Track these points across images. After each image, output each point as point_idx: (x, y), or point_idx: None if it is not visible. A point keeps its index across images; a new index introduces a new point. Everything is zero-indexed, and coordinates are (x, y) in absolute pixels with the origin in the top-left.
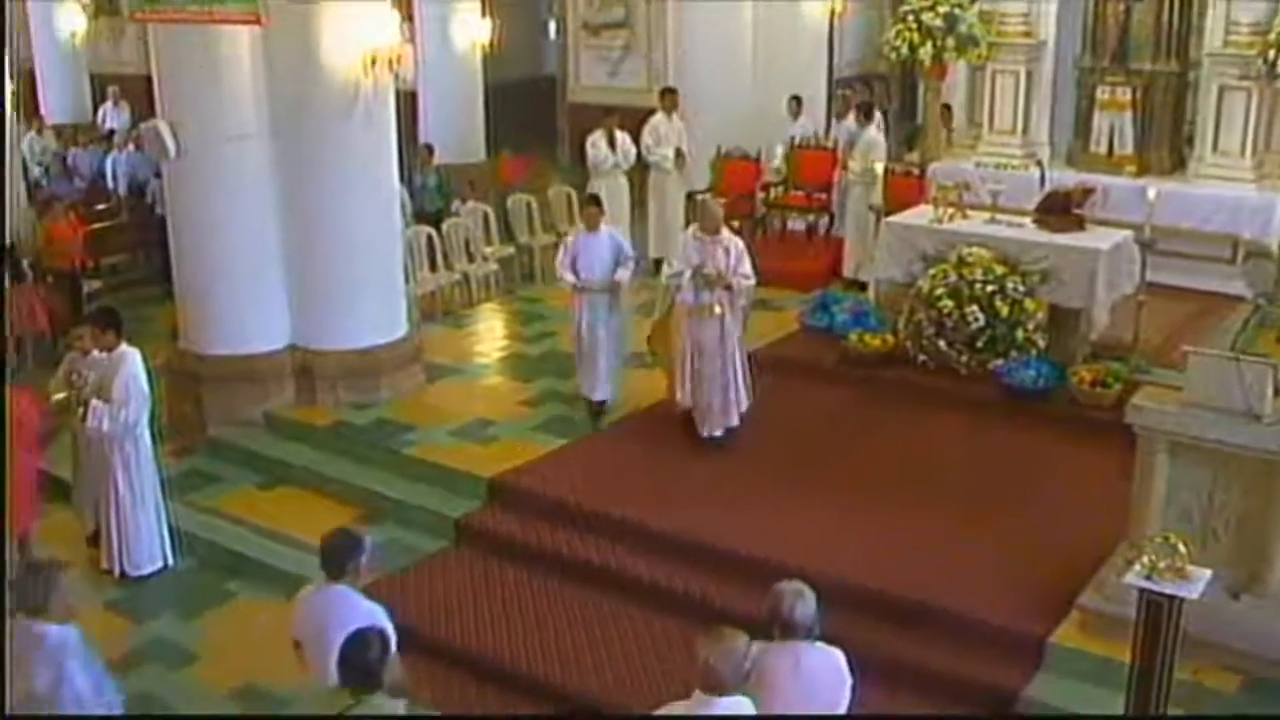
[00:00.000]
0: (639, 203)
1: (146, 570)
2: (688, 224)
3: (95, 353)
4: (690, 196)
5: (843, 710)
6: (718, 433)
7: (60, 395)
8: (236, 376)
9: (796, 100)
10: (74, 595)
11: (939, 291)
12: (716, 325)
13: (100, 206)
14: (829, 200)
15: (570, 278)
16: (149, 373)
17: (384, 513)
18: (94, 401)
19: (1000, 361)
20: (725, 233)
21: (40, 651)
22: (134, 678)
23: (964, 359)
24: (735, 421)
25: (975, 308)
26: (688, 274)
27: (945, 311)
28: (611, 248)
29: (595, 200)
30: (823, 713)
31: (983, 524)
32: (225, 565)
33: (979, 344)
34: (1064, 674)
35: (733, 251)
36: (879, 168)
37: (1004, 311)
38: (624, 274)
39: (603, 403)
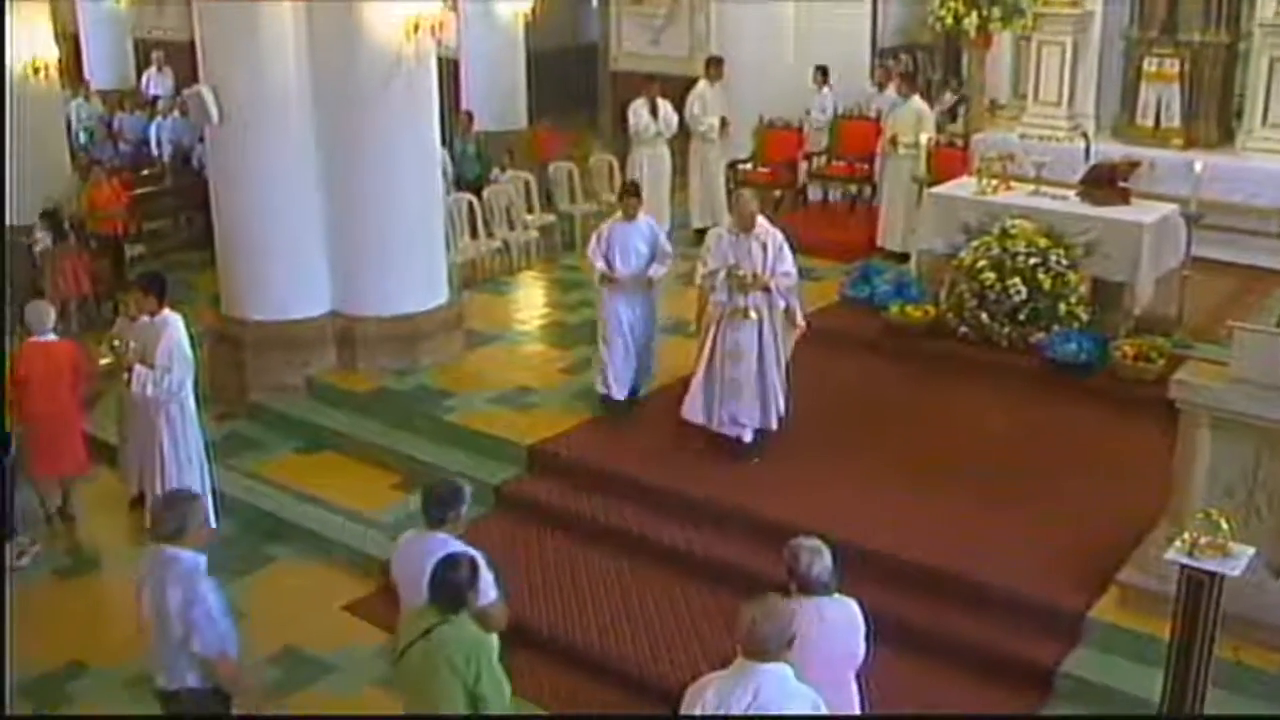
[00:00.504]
0: (680, 171)
1: None
2: (729, 194)
3: (144, 318)
4: (732, 166)
5: (861, 656)
6: (747, 438)
7: (106, 360)
8: (278, 342)
9: (822, 71)
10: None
11: (981, 264)
12: (753, 330)
13: (143, 172)
14: (871, 171)
15: (601, 265)
16: (192, 338)
17: (423, 478)
18: (138, 366)
19: (1042, 335)
20: (763, 226)
21: (174, 573)
22: None
23: (1005, 331)
24: (773, 426)
25: (1018, 280)
26: (721, 274)
27: (987, 284)
28: (649, 239)
29: (635, 190)
30: (843, 660)
31: (1022, 497)
32: (266, 529)
33: (1021, 316)
34: (1102, 649)
35: (770, 247)
36: (924, 139)
37: (1046, 284)
38: (659, 269)
39: (632, 397)
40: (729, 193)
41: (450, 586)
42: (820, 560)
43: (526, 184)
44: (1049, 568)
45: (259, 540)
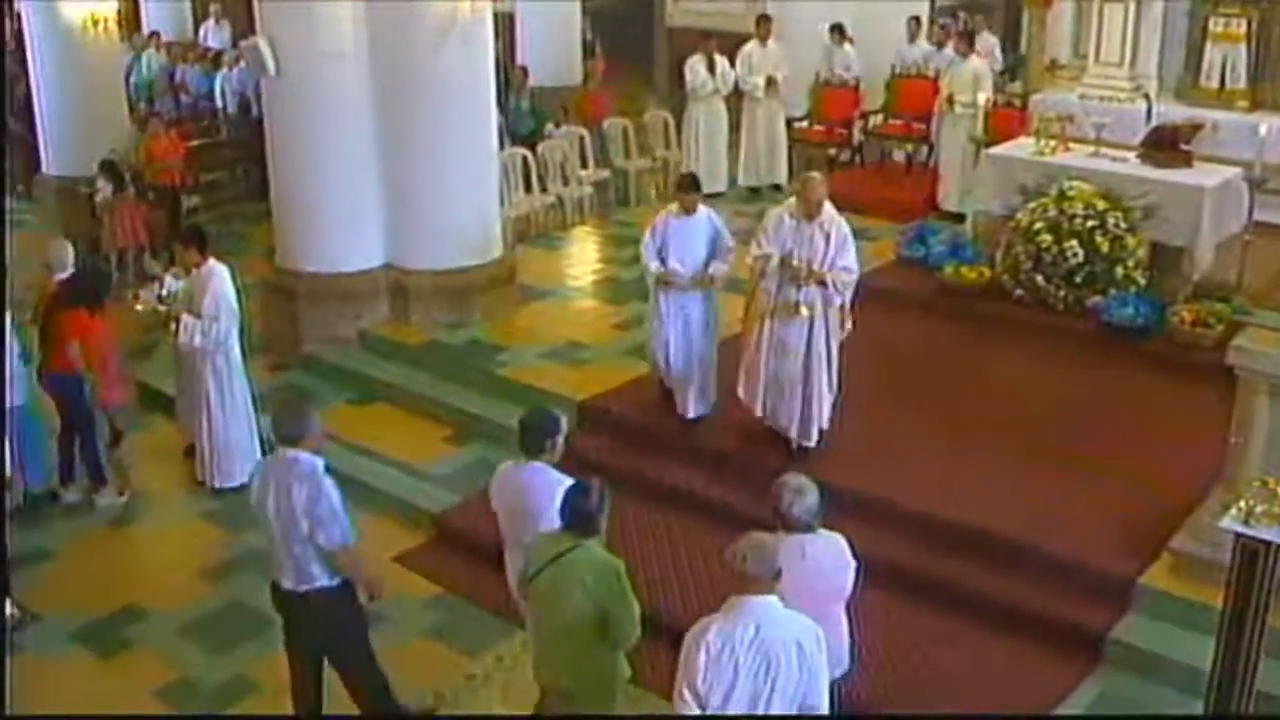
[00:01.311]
0: (735, 128)
1: (238, 482)
2: (790, 150)
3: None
4: (790, 124)
5: (848, 591)
6: (792, 433)
7: (141, 306)
8: (332, 294)
9: (838, 29)
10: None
11: (1038, 225)
12: (803, 327)
13: (202, 124)
14: (928, 130)
15: (656, 265)
16: (237, 288)
17: (474, 432)
18: (185, 316)
19: (1098, 298)
20: (828, 212)
21: (296, 473)
22: (227, 586)
23: (1061, 294)
24: (811, 441)
25: (1074, 243)
26: (775, 259)
27: (1044, 246)
28: (708, 235)
29: (693, 182)
30: (827, 595)
31: (1074, 461)
32: None
33: (1077, 280)
34: (1153, 616)
35: (833, 238)
36: (982, 98)
37: (1104, 248)
38: (720, 267)
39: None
40: (791, 150)
41: (582, 512)
42: (800, 500)
43: (581, 139)
44: (1100, 533)
45: None
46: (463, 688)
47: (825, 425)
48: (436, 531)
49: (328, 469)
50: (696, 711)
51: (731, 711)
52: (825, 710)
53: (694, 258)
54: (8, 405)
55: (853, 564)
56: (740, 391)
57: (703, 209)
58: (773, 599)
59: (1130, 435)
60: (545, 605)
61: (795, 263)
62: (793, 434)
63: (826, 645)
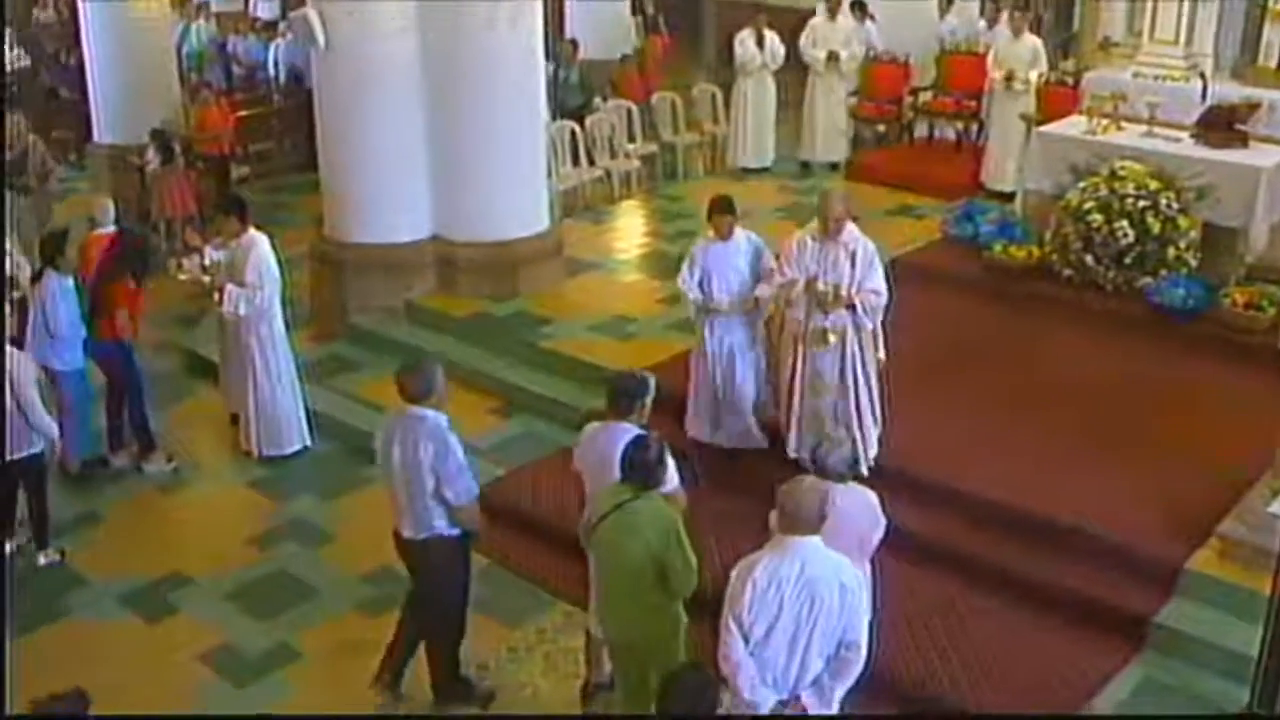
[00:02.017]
0: (789, 104)
1: (285, 451)
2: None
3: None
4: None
5: (873, 544)
6: None
7: (184, 275)
8: (379, 265)
9: (859, 4)
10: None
11: (1088, 205)
12: (834, 356)
13: (251, 94)
14: (979, 107)
15: (696, 295)
16: (278, 257)
17: (520, 404)
18: (229, 286)
19: (1149, 279)
20: (850, 231)
21: (423, 430)
22: (272, 554)
23: (1111, 275)
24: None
25: (1125, 223)
26: (800, 284)
27: (1094, 226)
28: (749, 258)
29: (728, 205)
30: (849, 546)
31: (1122, 444)
32: (363, 450)
33: (1127, 260)
34: (1199, 601)
35: (860, 257)
36: (1034, 76)
37: (1155, 228)
38: (765, 290)
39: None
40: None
41: (641, 465)
42: (838, 451)
43: (629, 112)
44: (1147, 516)
45: (356, 461)
46: (505, 659)
47: (871, 463)
48: (481, 504)
49: (449, 425)
50: (740, 644)
51: (773, 644)
52: (864, 646)
53: (738, 281)
54: (65, 369)
55: (882, 521)
56: (785, 438)
57: (740, 231)
58: (818, 540)
59: (1179, 419)
60: (606, 555)
61: (822, 286)
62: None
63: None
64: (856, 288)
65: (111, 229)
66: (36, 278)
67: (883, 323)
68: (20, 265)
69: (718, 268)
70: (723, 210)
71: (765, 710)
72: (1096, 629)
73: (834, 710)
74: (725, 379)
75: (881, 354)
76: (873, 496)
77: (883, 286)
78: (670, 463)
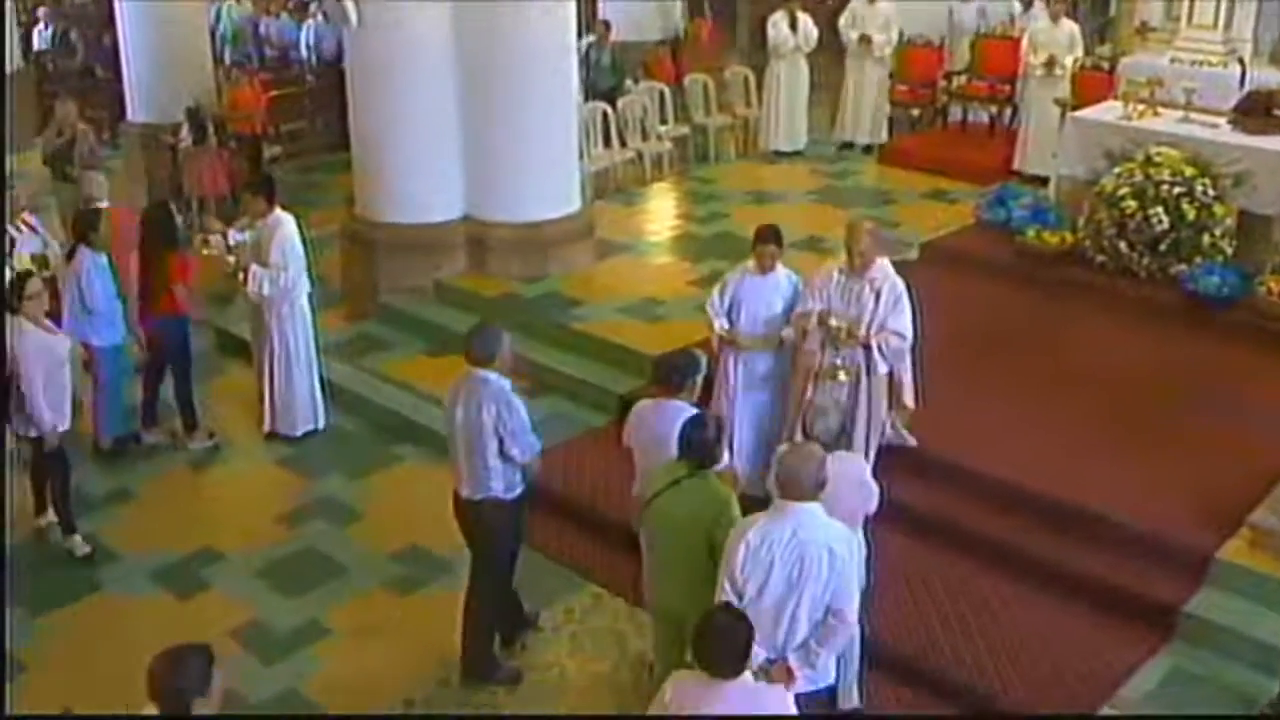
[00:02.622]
0: (822, 87)
1: (295, 432)
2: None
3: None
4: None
5: (864, 513)
6: None
7: (208, 251)
8: (409, 245)
9: None
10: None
11: (1123, 191)
12: (844, 389)
13: (284, 74)
14: (1013, 91)
15: (723, 323)
16: (304, 238)
17: (549, 385)
18: (254, 266)
19: (1183, 267)
20: (880, 267)
21: (487, 392)
22: (301, 531)
23: (1144, 262)
24: None
25: (1160, 210)
26: (815, 316)
27: (1128, 212)
28: (785, 298)
29: (775, 236)
30: (844, 513)
31: (1153, 432)
32: (392, 429)
33: (1161, 247)
34: (1229, 591)
35: (884, 297)
36: (1069, 60)
37: (1190, 215)
38: (789, 332)
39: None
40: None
41: (700, 444)
42: (823, 420)
43: (661, 94)
44: (1177, 505)
45: (385, 439)
46: (532, 639)
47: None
48: None
49: (514, 389)
50: (734, 600)
51: (764, 604)
52: (852, 613)
53: (768, 317)
54: (103, 345)
55: (874, 489)
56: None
57: (782, 269)
58: (815, 506)
59: (1212, 406)
60: (659, 530)
61: (835, 322)
62: None
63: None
64: (877, 327)
65: (105, 204)
66: (70, 255)
67: (914, 365)
68: (49, 244)
69: (749, 300)
70: (768, 241)
71: (754, 666)
72: (1125, 617)
73: (818, 674)
74: (740, 415)
75: (909, 401)
76: (862, 463)
77: (907, 329)
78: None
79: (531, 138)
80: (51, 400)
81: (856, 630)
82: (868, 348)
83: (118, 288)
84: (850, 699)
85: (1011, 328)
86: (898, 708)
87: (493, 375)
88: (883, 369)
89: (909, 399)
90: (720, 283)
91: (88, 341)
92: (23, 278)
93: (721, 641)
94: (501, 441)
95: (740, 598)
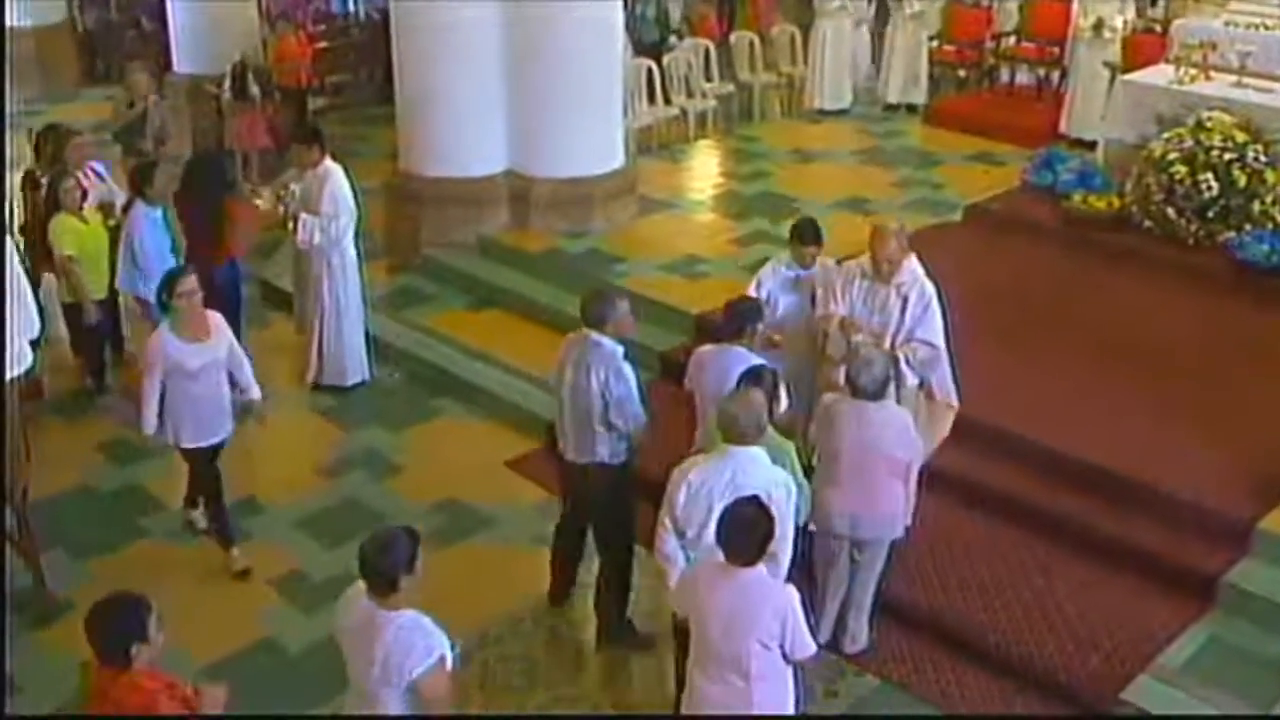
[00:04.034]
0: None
1: (345, 383)
2: (932, 66)
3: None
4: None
5: (903, 463)
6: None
7: (266, 206)
8: (452, 198)
9: None
10: None
11: (1172, 156)
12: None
13: (329, 26)
14: (1062, 54)
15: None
16: (354, 188)
17: None
18: (304, 215)
19: (1232, 234)
20: (909, 272)
21: (597, 355)
22: (341, 483)
23: (1192, 228)
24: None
25: (1210, 175)
26: (837, 319)
27: (1177, 177)
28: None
29: (816, 234)
30: (877, 462)
31: (1198, 400)
32: (433, 382)
33: (1210, 214)
34: (1271, 561)
35: (912, 304)
36: (1120, 22)
37: (1241, 182)
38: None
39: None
40: (932, 66)
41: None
42: (868, 370)
43: (706, 51)
44: (1221, 473)
45: (425, 392)
46: (576, 596)
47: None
48: (549, 439)
49: (626, 355)
50: (673, 539)
51: (704, 544)
52: (785, 555)
53: (797, 317)
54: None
55: (917, 444)
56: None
57: (821, 259)
58: (755, 450)
59: (1257, 375)
60: None
61: (858, 336)
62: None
63: (878, 514)
64: (904, 337)
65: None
66: (126, 207)
67: (951, 363)
68: (114, 192)
69: (786, 299)
70: (809, 241)
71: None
72: (1164, 585)
73: None
74: None
75: (954, 402)
76: (906, 417)
77: (938, 338)
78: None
79: (576, 93)
80: (175, 414)
81: (784, 573)
82: (895, 360)
83: (173, 242)
84: (858, 641)
85: (1055, 293)
86: (932, 670)
87: (605, 339)
88: (911, 381)
89: (953, 401)
90: (756, 278)
91: (137, 294)
92: (174, 275)
93: (744, 531)
94: (606, 407)
95: (681, 534)
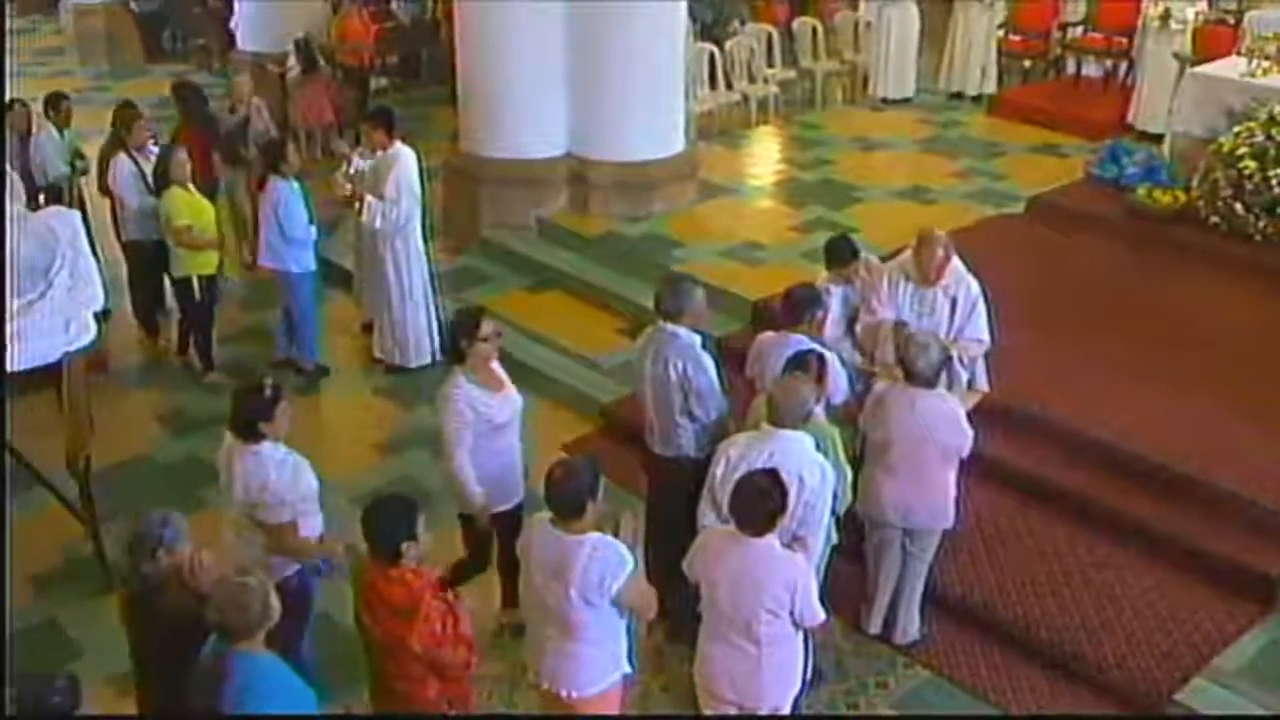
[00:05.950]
0: (923, 33)
1: (411, 364)
2: (1000, 56)
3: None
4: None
5: (954, 451)
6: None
7: (336, 187)
8: (512, 180)
9: None
10: None
11: (1242, 150)
12: (944, 326)
13: (393, 5)
14: (1130, 45)
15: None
16: (422, 172)
17: (648, 325)
18: (369, 197)
19: None
20: (955, 273)
21: (674, 347)
22: (398, 461)
23: (1261, 225)
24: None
25: None
26: (888, 323)
27: (1246, 172)
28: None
29: (853, 252)
30: (926, 449)
31: (1260, 398)
32: None
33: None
34: None
35: (961, 304)
36: (1191, 14)
37: None
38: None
39: None
40: (1000, 56)
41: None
42: (925, 356)
43: (769, 37)
44: None
45: None
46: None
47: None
48: (605, 421)
49: (704, 345)
50: (711, 514)
51: None
52: (816, 541)
53: (838, 330)
54: (301, 271)
55: (968, 432)
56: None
57: (870, 260)
58: (799, 435)
59: None
60: None
61: (910, 334)
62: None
63: (929, 502)
64: (955, 336)
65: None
66: (260, 184)
67: (986, 357)
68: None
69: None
70: (845, 260)
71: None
72: (1223, 585)
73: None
74: None
75: (983, 387)
76: (957, 406)
77: (985, 334)
78: (841, 379)
79: (637, 76)
80: (485, 470)
81: (818, 554)
82: (949, 358)
83: (311, 215)
84: (909, 633)
85: (1117, 287)
86: (984, 663)
87: (682, 330)
88: (963, 377)
89: (984, 384)
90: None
91: (285, 270)
92: (471, 315)
93: (754, 500)
94: (686, 398)
95: (719, 508)
